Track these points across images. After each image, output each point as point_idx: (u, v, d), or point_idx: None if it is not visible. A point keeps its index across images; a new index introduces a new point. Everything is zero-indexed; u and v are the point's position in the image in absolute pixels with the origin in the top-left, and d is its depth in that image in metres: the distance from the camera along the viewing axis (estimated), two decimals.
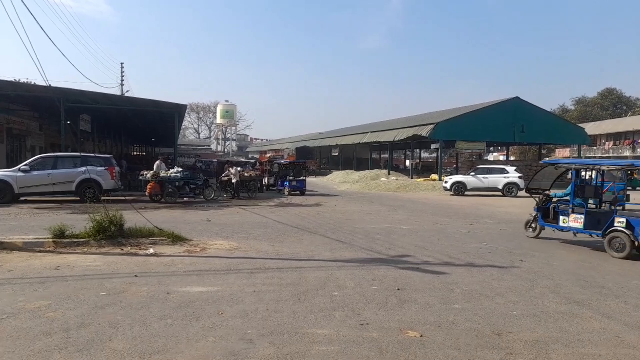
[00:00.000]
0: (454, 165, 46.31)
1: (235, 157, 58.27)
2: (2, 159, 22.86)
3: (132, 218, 9.37)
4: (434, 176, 33.45)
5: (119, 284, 5.87)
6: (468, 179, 24.68)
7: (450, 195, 24.31)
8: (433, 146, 36.43)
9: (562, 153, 58.21)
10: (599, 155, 53.04)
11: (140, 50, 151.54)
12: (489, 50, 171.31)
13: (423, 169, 43.51)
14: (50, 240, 8.10)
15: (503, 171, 24.85)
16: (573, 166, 10.16)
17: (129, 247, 8.12)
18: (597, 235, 9.02)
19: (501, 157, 53.67)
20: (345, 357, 3.82)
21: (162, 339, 4.09)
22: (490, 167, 26.42)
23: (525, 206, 18.52)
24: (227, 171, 20.50)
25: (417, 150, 53.17)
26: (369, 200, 20.84)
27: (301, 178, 22.85)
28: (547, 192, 10.95)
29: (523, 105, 34.28)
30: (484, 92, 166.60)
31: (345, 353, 3.89)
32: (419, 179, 32.81)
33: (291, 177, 22.57)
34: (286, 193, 22.04)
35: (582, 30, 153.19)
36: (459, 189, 24.38)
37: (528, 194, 11.96)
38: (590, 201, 10.03)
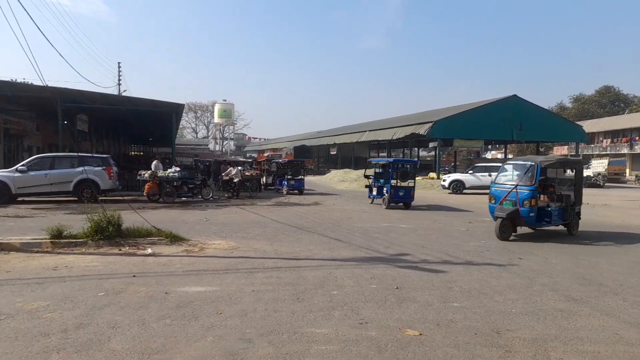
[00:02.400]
0: (452, 164, 46.36)
1: (233, 157, 58.19)
2: (0, 160, 22.78)
3: (130, 218, 9.35)
4: (433, 175, 33.46)
5: (117, 284, 5.85)
6: (466, 177, 24.71)
7: (449, 193, 24.34)
8: (431, 145, 36.44)
9: (560, 151, 58.29)
10: (597, 153, 53.15)
11: (137, 50, 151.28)
12: (487, 48, 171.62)
13: (421, 168, 43.50)
14: (48, 240, 8.08)
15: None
16: (380, 162, 18.05)
17: (127, 248, 8.10)
18: (379, 197, 16.80)
19: (499, 155, 53.70)
20: (345, 356, 3.81)
21: (161, 339, 4.08)
22: (488, 166, 26.44)
23: None
24: (227, 171, 20.51)
25: (416, 148, 53.22)
26: (367, 198, 20.80)
27: (299, 177, 22.80)
28: (370, 178, 18.21)
29: (521, 103, 34.31)
30: (482, 90, 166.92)
31: (345, 352, 3.89)
32: (417, 178, 32.76)
33: (289, 177, 22.52)
34: (284, 192, 22.02)
35: (580, 28, 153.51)
36: (457, 187, 24.41)
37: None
38: (382, 181, 17.00)
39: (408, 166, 17.54)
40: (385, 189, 16.60)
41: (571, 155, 52.56)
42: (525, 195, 9.68)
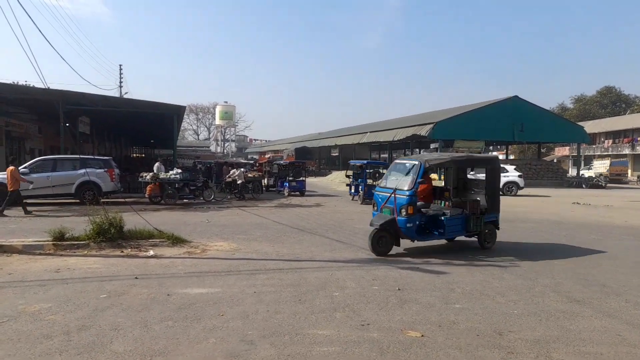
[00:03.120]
0: None
1: (234, 159, 58.26)
2: (2, 162, 22.82)
3: (132, 220, 9.36)
4: (434, 176, 33.41)
5: (120, 286, 5.86)
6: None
7: None
8: (432, 146, 36.41)
9: (562, 152, 58.27)
10: (598, 153, 53.07)
11: (138, 52, 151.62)
12: (488, 49, 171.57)
13: None
14: (50, 243, 8.10)
15: (502, 170, 24.82)
16: (357, 164, 19.46)
17: (129, 249, 8.11)
18: (356, 194, 17.94)
19: (501, 156, 53.63)
20: (347, 358, 3.81)
21: (163, 341, 4.09)
22: None
23: (526, 205, 18.52)
24: (231, 172, 20.61)
25: (417, 150, 53.19)
26: (369, 200, 20.79)
27: (301, 179, 22.80)
28: (350, 177, 19.58)
29: (522, 104, 34.30)
30: (484, 91, 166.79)
31: (347, 354, 3.89)
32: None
33: (291, 178, 22.53)
34: (286, 194, 22.01)
35: (581, 28, 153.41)
36: None
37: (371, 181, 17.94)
38: (359, 180, 18.60)
39: (379, 167, 19.62)
40: (360, 187, 18.70)
41: (573, 156, 52.72)
42: (401, 202, 7.89)
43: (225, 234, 10.12)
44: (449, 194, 8.88)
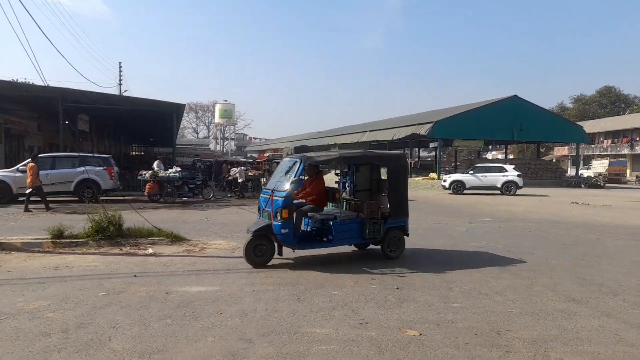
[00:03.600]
0: (453, 164, 46.34)
1: (234, 157, 58.21)
2: (1, 160, 22.80)
3: (131, 218, 9.36)
4: (433, 175, 33.47)
5: (118, 284, 5.87)
6: (467, 178, 24.70)
7: (449, 194, 24.34)
8: (432, 145, 36.47)
9: (561, 151, 58.35)
10: (597, 153, 53.13)
11: (138, 51, 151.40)
12: (488, 49, 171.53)
13: (422, 168, 43.48)
14: (49, 240, 8.09)
15: (502, 170, 24.90)
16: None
17: (128, 247, 8.12)
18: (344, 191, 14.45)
19: (500, 156, 53.69)
20: (345, 356, 3.82)
21: (162, 339, 4.09)
22: (488, 166, 26.46)
23: (524, 204, 18.55)
24: (232, 171, 20.71)
25: (416, 149, 53.18)
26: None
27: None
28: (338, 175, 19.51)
29: (521, 103, 34.30)
30: (483, 90, 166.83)
31: (345, 352, 3.90)
32: (418, 178, 32.82)
33: None
34: None
35: (580, 28, 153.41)
36: (457, 187, 24.41)
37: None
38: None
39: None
40: (346, 183, 19.39)
41: (572, 156, 52.80)
42: (277, 204, 6.84)
43: (224, 232, 10.12)
44: (339, 195, 8.12)
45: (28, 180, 13.24)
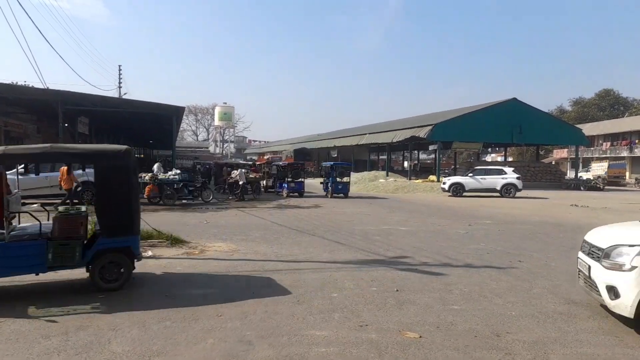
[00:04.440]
0: (452, 167, 46.38)
1: (233, 159, 58.26)
2: None
3: None
4: (432, 177, 33.46)
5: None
6: (466, 180, 24.71)
7: (449, 196, 24.33)
8: (431, 147, 36.40)
9: (560, 154, 58.38)
10: (596, 156, 53.20)
11: (137, 53, 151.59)
12: (486, 52, 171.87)
13: (421, 170, 43.52)
14: None
15: (501, 172, 24.91)
16: (327, 165, 23.66)
17: None
18: (327, 190, 22.39)
19: (499, 158, 53.79)
20: (345, 359, 3.82)
21: (161, 342, 4.09)
22: (488, 168, 26.48)
23: (523, 207, 18.56)
24: (233, 173, 20.79)
25: (416, 151, 53.24)
26: (367, 201, 20.86)
27: (300, 180, 22.84)
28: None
29: (521, 106, 34.35)
30: (482, 93, 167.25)
31: (345, 354, 3.90)
32: (417, 180, 32.85)
33: (289, 179, 22.57)
34: (284, 195, 22.03)
35: (579, 31, 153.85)
36: (457, 190, 24.41)
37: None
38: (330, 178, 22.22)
39: (344, 167, 23.76)
40: (329, 184, 22.52)
41: (571, 159, 52.89)
42: None
43: (224, 234, 10.12)
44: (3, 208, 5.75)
45: (63, 183, 13.98)
